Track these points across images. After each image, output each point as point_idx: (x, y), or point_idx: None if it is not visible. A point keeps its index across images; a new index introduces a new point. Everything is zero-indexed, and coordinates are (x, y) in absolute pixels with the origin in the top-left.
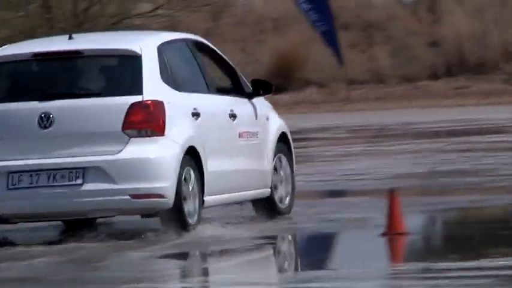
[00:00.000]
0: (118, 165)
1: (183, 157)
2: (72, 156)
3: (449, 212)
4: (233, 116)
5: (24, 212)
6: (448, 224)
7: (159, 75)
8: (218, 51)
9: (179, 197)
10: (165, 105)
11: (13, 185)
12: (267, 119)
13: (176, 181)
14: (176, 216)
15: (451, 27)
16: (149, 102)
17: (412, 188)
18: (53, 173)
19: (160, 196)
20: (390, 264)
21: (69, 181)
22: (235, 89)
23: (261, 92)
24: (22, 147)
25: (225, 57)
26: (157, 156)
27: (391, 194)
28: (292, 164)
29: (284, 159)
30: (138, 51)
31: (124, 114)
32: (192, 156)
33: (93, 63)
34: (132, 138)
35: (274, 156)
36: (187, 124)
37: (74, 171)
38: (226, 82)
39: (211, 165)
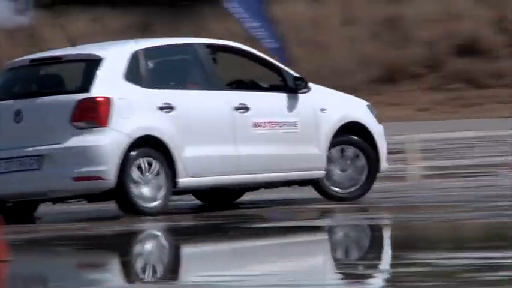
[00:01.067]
0: (64, 152)
1: (140, 148)
2: (34, 146)
3: None
4: (243, 108)
5: (5, 192)
6: None
7: (122, 75)
8: (259, 54)
9: (122, 181)
10: (114, 100)
11: None
12: (322, 110)
13: (118, 166)
14: (123, 200)
15: None
16: (94, 98)
17: None
18: (20, 160)
19: (99, 178)
20: None
21: (30, 167)
22: (280, 85)
23: (299, 87)
24: (2, 138)
25: (268, 59)
26: (97, 144)
27: None
28: (371, 155)
29: (351, 150)
30: (101, 55)
31: (72, 108)
32: (154, 146)
33: (68, 67)
34: (78, 130)
35: (333, 145)
36: (148, 116)
37: (34, 158)
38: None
39: (192, 151)
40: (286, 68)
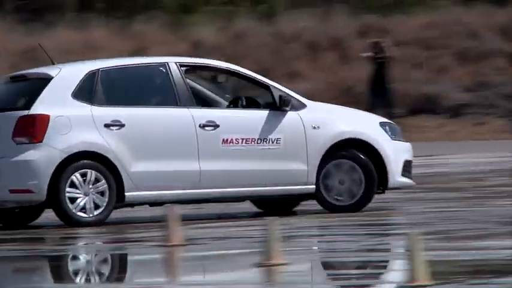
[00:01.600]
0: (4, 165)
1: (79, 163)
2: None
3: None
4: (211, 125)
5: None
6: None
7: (72, 94)
8: (246, 73)
9: (56, 194)
10: (52, 118)
11: None
12: (314, 127)
13: (49, 180)
14: (58, 211)
15: None
16: (32, 115)
17: None
18: None
19: (30, 191)
20: None
21: None
22: (268, 103)
23: (285, 105)
24: None
25: (257, 78)
26: (30, 159)
27: None
28: (369, 169)
29: (347, 165)
30: (52, 74)
31: (14, 125)
32: (100, 161)
33: (28, 85)
34: (18, 145)
35: (325, 160)
36: (91, 133)
37: None
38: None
39: (141, 166)
40: (279, 87)
